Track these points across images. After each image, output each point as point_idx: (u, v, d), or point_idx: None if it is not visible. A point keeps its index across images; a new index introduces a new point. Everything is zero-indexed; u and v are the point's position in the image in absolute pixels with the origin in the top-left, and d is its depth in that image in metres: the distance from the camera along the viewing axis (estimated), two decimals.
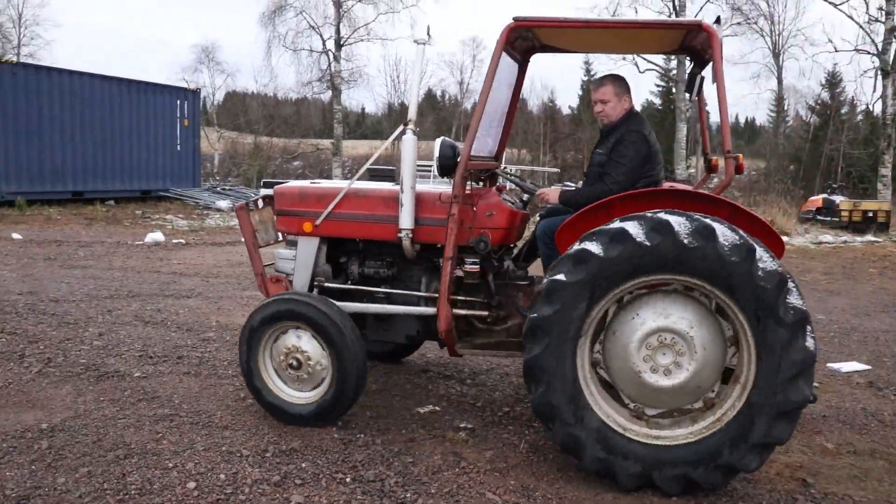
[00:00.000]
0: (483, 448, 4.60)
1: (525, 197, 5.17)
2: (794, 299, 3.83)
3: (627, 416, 4.18)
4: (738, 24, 33.03)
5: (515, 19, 4.46)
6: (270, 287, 5.33)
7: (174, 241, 14.90)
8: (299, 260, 5.20)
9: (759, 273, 3.78)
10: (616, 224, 3.97)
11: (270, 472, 4.12)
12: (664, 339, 4.03)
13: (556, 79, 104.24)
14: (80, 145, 20.48)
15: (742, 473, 4.08)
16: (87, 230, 16.39)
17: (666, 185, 4.84)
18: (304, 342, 4.73)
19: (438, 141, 4.71)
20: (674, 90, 41.61)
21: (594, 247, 3.92)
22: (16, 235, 14.23)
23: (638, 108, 4.99)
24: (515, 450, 4.60)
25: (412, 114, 4.69)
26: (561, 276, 3.98)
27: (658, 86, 46.77)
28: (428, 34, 4.82)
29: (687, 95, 4.63)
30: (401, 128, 4.72)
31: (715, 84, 4.37)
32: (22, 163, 19.18)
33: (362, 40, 33.54)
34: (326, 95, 37.94)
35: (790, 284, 3.83)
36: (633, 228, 3.88)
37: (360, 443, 4.58)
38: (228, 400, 5.28)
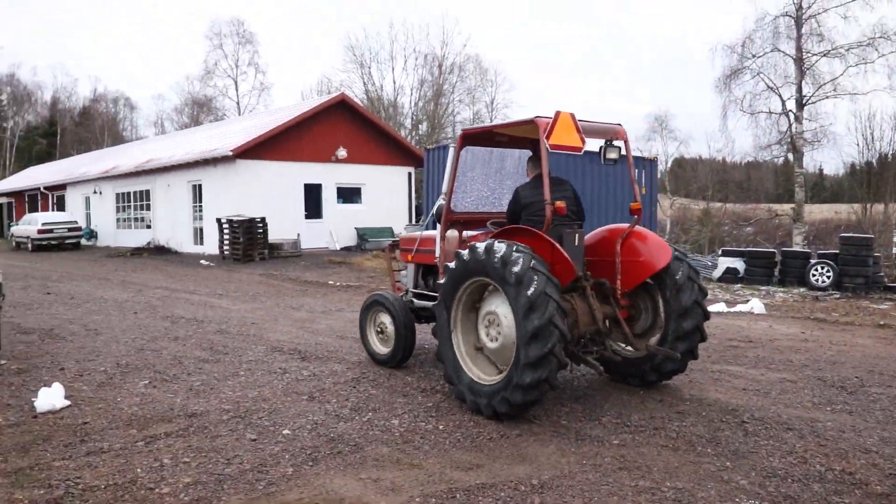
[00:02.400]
0: None
1: None
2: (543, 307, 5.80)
3: (486, 370, 6.60)
4: None
5: (463, 129, 7.40)
6: (398, 293, 8.76)
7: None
8: (408, 277, 8.82)
9: (516, 271, 5.94)
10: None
11: None
12: (492, 318, 6.43)
13: None
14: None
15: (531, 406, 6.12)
16: None
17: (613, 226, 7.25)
18: (386, 320, 8.31)
19: (438, 202, 7.69)
20: None
21: (457, 259, 6.61)
22: None
23: None
24: None
25: (445, 188, 7.55)
26: (446, 277, 6.78)
27: None
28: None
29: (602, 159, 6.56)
30: (440, 197, 7.66)
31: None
32: None
33: (827, 97, 31.10)
34: (783, 158, 35.95)
35: (545, 291, 5.83)
36: (468, 251, 6.49)
37: None
38: (710, 480, 5.02)
